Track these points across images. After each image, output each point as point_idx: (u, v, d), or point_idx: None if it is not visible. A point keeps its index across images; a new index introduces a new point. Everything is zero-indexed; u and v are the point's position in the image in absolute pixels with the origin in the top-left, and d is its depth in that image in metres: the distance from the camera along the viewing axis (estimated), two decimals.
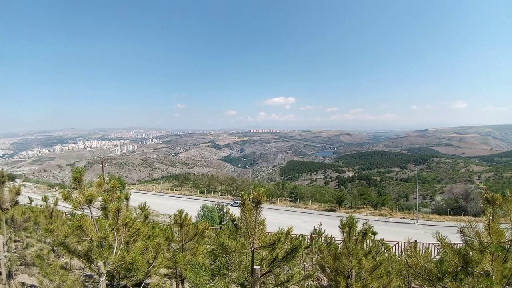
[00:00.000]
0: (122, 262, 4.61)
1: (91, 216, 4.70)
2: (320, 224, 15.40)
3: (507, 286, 2.60)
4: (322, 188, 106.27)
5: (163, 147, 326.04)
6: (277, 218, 30.04)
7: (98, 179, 4.97)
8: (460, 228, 3.37)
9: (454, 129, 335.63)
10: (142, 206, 7.12)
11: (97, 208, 5.03)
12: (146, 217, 7.28)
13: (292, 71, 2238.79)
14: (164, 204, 40.81)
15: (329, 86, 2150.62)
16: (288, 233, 4.55)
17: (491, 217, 2.90)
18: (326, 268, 6.04)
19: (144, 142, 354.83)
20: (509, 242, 2.72)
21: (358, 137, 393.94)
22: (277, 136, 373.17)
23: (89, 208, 4.49)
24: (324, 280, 8.53)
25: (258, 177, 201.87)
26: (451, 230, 5.29)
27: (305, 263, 9.90)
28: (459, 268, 3.12)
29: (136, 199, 10.63)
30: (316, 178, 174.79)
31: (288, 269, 5.67)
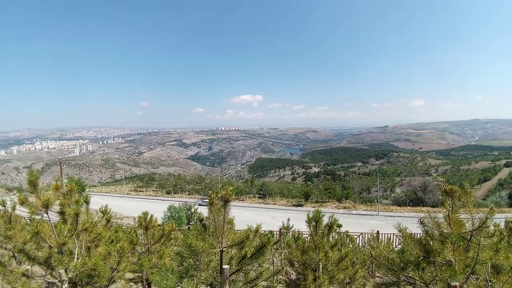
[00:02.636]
0: (83, 268, 4.38)
1: (49, 222, 4.44)
2: (288, 220, 15.65)
3: (470, 275, 2.76)
4: (289, 184, 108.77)
5: (125, 147, 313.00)
6: (246, 215, 30.08)
7: (55, 182, 4.69)
8: (420, 219, 3.53)
9: (412, 126, 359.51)
10: (104, 209, 6.84)
11: (56, 213, 4.78)
12: (108, 221, 6.96)
13: (259, 69, 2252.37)
14: (128, 206, 39.22)
15: (296, 84, 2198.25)
16: (257, 230, 4.51)
17: (450, 208, 3.06)
18: (295, 262, 6.11)
19: (105, 142, 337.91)
20: (470, 233, 2.88)
21: (323, 134, 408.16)
22: (245, 134, 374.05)
23: (47, 213, 4.27)
24: (292, 274, 8.62)
25: (227, 175, 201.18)
26: (411, 221, 5.59)
27: (274, 259, 9.98)
28: (421, 257, 3.27)
29: (98, 201, 10.19)
30: (284, 175, 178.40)
31: (257, 266, 5.60)
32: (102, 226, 6.33)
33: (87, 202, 6.31)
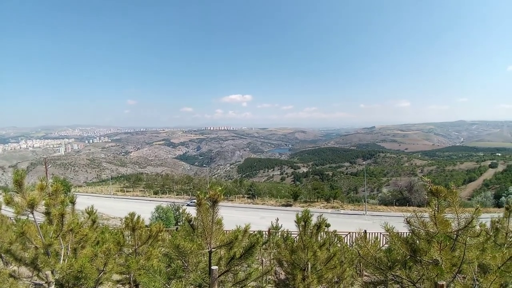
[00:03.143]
0: (70, 270, 4.33)
1: (35, 222, 4.42)
2: (277, 219, 15.70)
3: (457, 275, 2.83)
4: (278, 184, 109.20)
5: (112, 146, 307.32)
6: (235, 215, 30.02)
7: (40, 182, 4.68)
8: (406, 219, 3.60)
9: (398, 127, 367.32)
10: (90, 209, 6.77)
11: (42, 213, 4.78)
12: (94, 222, 6.89)
13: (249, 68, 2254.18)
14: (115, 207, 38.45)
15: (285, 84, 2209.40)
16: (245, 230, 4.51)
17: (436, 208, 3.13)
18: (284, 262, 6.14)
19: (91, 141, 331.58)
20: (456, 232, 2.95)
21: (312, 134, 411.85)
22: (234, 134, 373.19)
23: (32, 213, 4.27)
24: (281, 274, 8.66)
25: (216, 175, 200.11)
26: (397, 220, 5.69)
27: (263, 259, 9.99)
28: (408, 256, 3.33)
29: (84, 202, 9.99)
30: (273, 175, 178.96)
31: (246, 266, 5.60)
32: (88, 227, 6.26)
33: (73, 203, 6.23)
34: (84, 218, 6.55)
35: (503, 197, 43.56)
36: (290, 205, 39.49)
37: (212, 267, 3.70)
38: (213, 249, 3.92)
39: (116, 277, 6.24)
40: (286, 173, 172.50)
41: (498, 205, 38.90)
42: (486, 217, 5.46)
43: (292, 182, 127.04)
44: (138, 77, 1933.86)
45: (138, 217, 6.39)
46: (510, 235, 5.31)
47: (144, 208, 29.70)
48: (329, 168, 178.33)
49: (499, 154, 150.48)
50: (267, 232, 13.91)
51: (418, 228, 3.35)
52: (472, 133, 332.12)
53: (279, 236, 13.07)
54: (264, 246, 11.10)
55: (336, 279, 6.22)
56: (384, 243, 10.63)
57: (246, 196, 47.75)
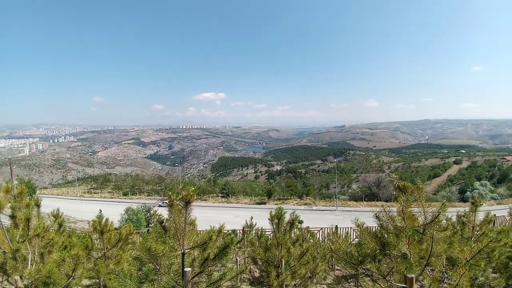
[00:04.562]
0: (38, 275, 4.21)
1: (2, 226, 4.26)
2: (252, 218, 15.68)
3: (426, 267, 2.98)
4: (252, 182, 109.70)
5: (78, 146, 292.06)
6: (209, 215, 29.70)
7: (5, 184, 4.50)
8: (376, 213, 3.73)
9: (367, 125, 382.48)
10: (56, 212, 6.51)
11: (8, 216, 4.67)
12: (60, 225, 6.63)
13: (222, 66, 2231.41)
14: (82, 209, 36.84)
15: (258, 83, 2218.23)
16: (220, 230, 4.44)
17: (404, 203, 3.28)
18: (258, 260, 6.14)
19: (56, 140, 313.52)
20: (423, 226, 3.10)
21: (285, 133, 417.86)
22: (207, 132, 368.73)
23: None
24: (256, 272, 8.67)
25: (189, 175, 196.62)
26: (367, 215, 5.90)
27: (237, 258, 9.94)
28: (378, 250, 3.46)
29: (49, 204, 9.41)
30: (247, 173, 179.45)
31: (221, 266, 5.53)
32: (54, 231, 6.09)
33: (38, 206, 5.94)
34: (50, 221, 6.30)
35: (468, 192, 46.73)
36: (264, 203, 39.80)
37: (185, 269, 3.59)
38: (186, 251, 3.80)
39: (85, 282, 6.10)
40: (260, 172, 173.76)
41: (463, 199, 41.51)
42: (452, 211, 5.63)
43: (266, 180, 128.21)
44: (105, 72, 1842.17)
45: (107, 219, 6.17)
46: (477, 229, 5.64)
47: (113, 210, 28.57)
48: (302, 165, 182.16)
49: (463, 151, 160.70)
50: (241, 231, 13.87)
51: (387, 222, 3.48)
52: (437, 131, 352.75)
53: (254, 235, 13.09)
54: (238, 245, 11.06)
55: (309, 274, 6.34)
56: (354, 237, 11.00)
57: (220, 195, 47.42)
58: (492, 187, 49.43)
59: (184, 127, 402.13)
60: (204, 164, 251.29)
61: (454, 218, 5.79)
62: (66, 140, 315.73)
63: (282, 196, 44.51)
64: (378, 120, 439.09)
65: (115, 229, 6.64)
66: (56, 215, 6.49)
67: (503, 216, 17.02)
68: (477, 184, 50.67)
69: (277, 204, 36.78)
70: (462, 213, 6.07)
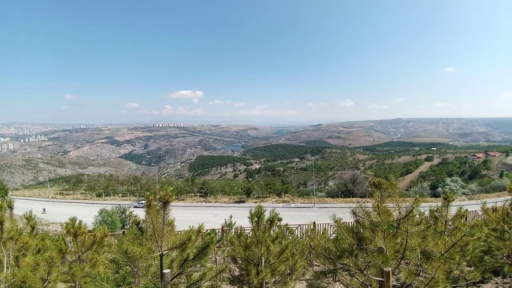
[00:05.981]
0: (14, 280, 4.15)
1: None
2: (231, 216, 15.63)
3: (402, 261, 3.11)
4: (231, 181, 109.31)
5: (49, 145, 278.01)
6: (188, 215, 29.30)
7: None
8: (352, 209, 3.84)
9: (342, 124, 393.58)
10: (28, 215, 6.37)
11: None
12: (33, 228, 6.53)
13: (200, 63, 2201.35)
14: (54, 212, 35.31)
15: (237, 82, 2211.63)
16: (199, 230, 4.40)
17: (379, 199, 3.41)
18: (238, 258, 6.14)
19: (26, 140, 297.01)
20: (397, 221, 3.24)
21: (264, 131, 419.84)
22: (185, 131, 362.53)
23: None
24: (236, 270, 8.65)
25: (166, 174, 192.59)
26: (343, 211, 6.07)
27: (217, 257, 9.90)
28: (355, 245, 3.57)
29: (21, 206, 8.97)
30: (226, 172, 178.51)
31: (200, 266, 5.48)
32: (27, 233, 6.01)
33: (11, 208, 5.82)
34: (23, 224, 6.22)
35: (439, 188, 48.96)
36: (244, 202, 39.83)
37: (164, 271, 3.53)
38: (164, 252, 3.72)
39: (61, 285, 5.92)
40: (239, 170, 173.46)
41: (435, 195, 43.60)
42: (425, 206, 5.76)
43: (245, 179, 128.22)
44: (76, 69, 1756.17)
45: (80, 222, 5.97)
46: (450, 223, 5.90)
47: (87, 211, 27.68)
48: (280, 164, 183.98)
49: (434, 149, 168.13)
50: (220, 230, 13.79)
51: (363, 218, 3.60)
52: (409, 129, 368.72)
53: (233, 233, 13.06)
54: (218, 244, 10.98)
55: (288, 271, 6.42)
56: (331, 233, 11.28)
57: (198, 194, 46.85)
58: (463, 183, 51.30)
59: (160, 125, 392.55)
60: (181, 163, 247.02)
61: (427, 213, 5.95)
62: (37, 140, 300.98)
63: (261, 194, 44.74)
64: (354, 119, 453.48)
65: (89, 231, 6.46)
66: (29, 218, 6.36)
67: (475, 211, 17.73)
68: (448, 180, 53.07)
69: (256, 202, 36.98)
70: (435, 208, 6.20)
